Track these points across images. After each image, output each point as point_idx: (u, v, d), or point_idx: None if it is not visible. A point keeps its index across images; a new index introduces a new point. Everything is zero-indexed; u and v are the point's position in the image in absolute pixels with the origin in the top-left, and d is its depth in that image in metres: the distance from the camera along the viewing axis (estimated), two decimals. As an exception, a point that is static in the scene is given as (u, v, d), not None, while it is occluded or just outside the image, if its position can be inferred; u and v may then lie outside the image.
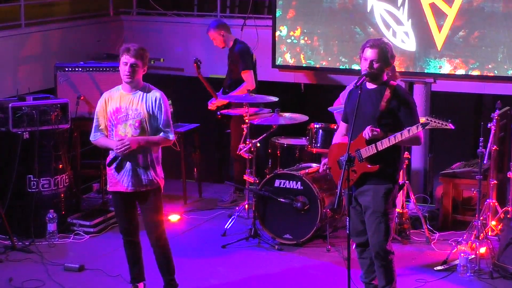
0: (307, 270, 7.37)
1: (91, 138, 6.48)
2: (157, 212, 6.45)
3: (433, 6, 8.98)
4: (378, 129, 5.95)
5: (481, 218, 7.46)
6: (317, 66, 9.60)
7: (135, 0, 10.86)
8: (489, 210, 7.81)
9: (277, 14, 9.66)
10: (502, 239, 7.31)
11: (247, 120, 8.32)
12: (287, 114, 8.40)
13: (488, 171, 7.94)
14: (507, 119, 8.22)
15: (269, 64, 9.74)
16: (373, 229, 6.13)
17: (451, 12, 8.92)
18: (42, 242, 7.92)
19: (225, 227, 8.26)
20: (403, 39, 9.14)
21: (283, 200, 7.86)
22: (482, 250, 7.28)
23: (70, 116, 8.32)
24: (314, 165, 8.23)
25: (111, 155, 6.37)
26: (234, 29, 9.94)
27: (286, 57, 9.68)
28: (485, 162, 7.50)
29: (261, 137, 8.39)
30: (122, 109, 6.30)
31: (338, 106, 8.12)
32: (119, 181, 6.36)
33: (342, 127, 6.44)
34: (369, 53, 6.04)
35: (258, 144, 8.36)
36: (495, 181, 7.87)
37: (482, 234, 7.32)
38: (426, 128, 5.87)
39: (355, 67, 9.21)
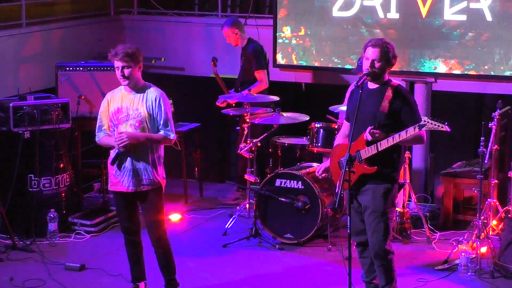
0: (307, 269, 7.38)
1: (96, 138, 6.48)
2: (158, 212, 6.44)
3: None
4: (379, 131, 5.94)
5: (482, 217, 7.46)
6: (318, 65, 9.58)
7: (136, 0, 10.86)
8: (490, 210, 7.81)
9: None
10: (503, 238, 7.31)
11: (248, 120, 8.33)
12: (288, 114, 8.41)
13: (489, 171, 7.94)
14: (508, 119, 8.22)
15: (270, 63, 9.72)
16: (372, 228, 6.13)
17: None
18: (43, 242, 7.92)
19: (226, 226, 8.26)
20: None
21: (284, 200, 7.86)
22: (483, 249, 7.28)
23: (71, 115, 8.32)
24: (315, 164, 8.23)
25: (113, 153, 6.37)
26: (235, 28, 9.96)
27: (277, 58, 9.66)
28: (486, 161, 7.50)
29: (262, 136, 8.40)
30: (123, 109, 6.31)
31: (338, 106, 8.13)
32: (119, 181, 6.36)
33: (345, 126, 6.44)
34: (371, 52, 6.04)
35: (259, 144, 8.36)
36: (496, 181, 7.87)
37: (483, 234, 7.32)
38: (422, 129, 5.86)
39: (349, 67, 9.20)
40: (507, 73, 8.76)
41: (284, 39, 9.61)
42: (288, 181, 7.92)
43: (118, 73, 6.25)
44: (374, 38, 6.24)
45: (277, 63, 9.70)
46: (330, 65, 9.47)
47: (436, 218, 8.44)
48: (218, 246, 7.89)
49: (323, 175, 6.55)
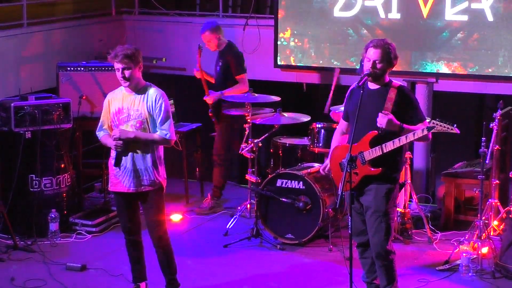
0: (308, 269, 7.37)
1: (97, 136, 6.52)
2: (159, 212, 6.44)
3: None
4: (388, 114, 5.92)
5: (483, 218, 7.45)
6: (319, 65, 9.59)
7: (137, 0, 10.86)
8: (491, 210, 7.82)
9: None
10: (504, 239, 7.31)
11: (249, 120, 8.33)
12: (289, 114, 8.41)
13: (490, 171, 7.93)
14: (509, 119, 8.22)
15: (271, 63, 9.73)
16: (373, 229, 6.13)
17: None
18: (44, 242, 7.92)
19: (227, 226, 8.26)
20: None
21: (285, 200, 7.86)
22: (484, 250, 7.28)
23: (72, 115, 8.32)
24: (316, 164, 8.23)
25: (114, 154, 6.37)
26: (236, 28, 9.96)
27: (278, 58, 9.64)
28: (487, 162, 7.49)
29: (263, 136, 8.40)
30: (124, 109, 6.30)
31: (339, 106, 8.12)
32: (120, 181, 6.37)
33: (342, 125, 6.43)
34: (372, 53, 6.04)
35: (260, 144, 8.37)
36: (497, 181, 7.87)
37: (484, 234, 7.32)
38: (431, 132, 5.86)
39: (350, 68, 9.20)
40: (507, 73, 8.76)
41: (283, 40, 9.59)
42: (289, 181, 7.92)
43: (118, 74, 6.24)
44: (376, 39, 6.23)
45: (278, 63, 9.70)
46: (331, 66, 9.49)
47: (437, 219, 8.43)
48: (219, 246, 7.89)
49: (326, 170, 6.54)
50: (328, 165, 6.47)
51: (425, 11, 8.96)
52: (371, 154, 6.02)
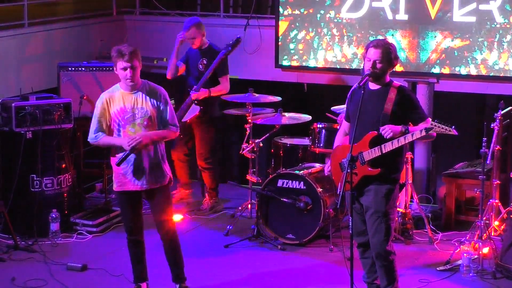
0: (309, 270, 7.37)
1: (91, 139, 6.42)
2: (170, 206, 6.54)
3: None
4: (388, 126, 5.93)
5: (484, 218, 7.45)
6: (320, 66, 9.58)
7: (138, 0, 10.86)
8: (492, 210, 7.81)
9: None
10: (505, 239, 7.31)
11: (250, 120, 8.32)
12: (289, 114, 8.41)
13: (491, 171, 7.93)
14: (510, 119, 8.21)
15: (272, 64, 9.73)
16: (373, 229, 6.13)
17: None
18: (45, 242, 7.93)
19: (228, 227, 8.25)
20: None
21: (286, 200, 7.86)
22: (485, 250, 7.28)
23: (73, 115, 8.32)
24: (317, 165, 8.23)
25: (120, 154, 6.35)
26: (237, 28, 9.95)
27: (279, 58, 9.62)
28: (488, 162, 7.49)
29: (264, 137, 8.39)
30: (127, 109, 6.29)
31: (340, 107, 8.12)
32: (129, 180, 6.36)
33: (344, 125, 6.44)
34: (373, 53, 6.04)
35: (261, 144, 8.37)
36: (498, 181, 7.86)
37: (485, 234, 7.32)
38: (429, 133, 5.86)
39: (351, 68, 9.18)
40: (508, 73, 8.74)
41: (284, 40, 9.59)
42: (290, 181, 7.92)
43: (124, 73, 6.22)
44: (376, 39, 6.24)
45: (279, 63, 9.69)
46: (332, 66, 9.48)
47: (438, 219, 8.43)
48: (220, 246, 7.89)
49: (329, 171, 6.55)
50: (330, 168, 6.47)
51: (432, 12, 8.90)
52: (370, 155, 6.02)
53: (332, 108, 8.39)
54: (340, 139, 6.46)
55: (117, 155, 6.37)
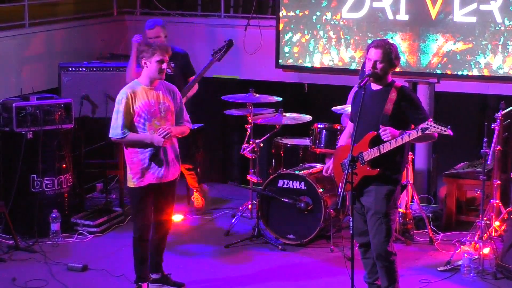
0: (310, 270, 7.37)
1: (117, 135, 6.41)
2: (173, 204, 6.77)
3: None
4: (387, 128, 5.93)
5: (485, 218, 7.45)
6: (320, 66, 9.56)
7: (139, 0, 10.86)
8: (492, 211, 7.81)
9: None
10: (506, 239, 7.31)
11: (250, 120, 8.32)
12: (290, 114, 8.41)
13: (492, 172, 7.92)
14: (511, 120, 8.21)
15: (273, 64, 9.72)
16: (374, 230, 6.13)
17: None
18: (45, 242, 7.92)
19: (229, 226, 8.25)
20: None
21: (287, 200, 7.86)
22: (486, 250, 7.27)
23: (74, 116, 8.32)
24: (317, 165, 8.23)
25: (149, 152, 6.41)
26: (238, 29, 9.95)
27: (280, 58, 9.60)
28: (488, 162, 7.49)
29: (265, 137, 8.40)
30: (152, 103, 6.42)
31: (340, 107, 8.12)
32: (153, 173, 6.45)
33: (350, 126, 6.44)
34: (373, 53, 6.04)
35: (262, 144, 8.37)
36: (499, 182, 7.86)
37: (485, 235, 7.32)
38: (425, 133, 5.85)
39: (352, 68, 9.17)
40: (509, 73, 8.72)
41: (284, 40, 9.58)
42: (291, 181, 7.92)
43: (161, 66, 6.38)
44: (377, 39, 6.23)
45: (280, 63, 9.69)
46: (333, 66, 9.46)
47: (438, 219, 8.43)
48: (220, 246, 7.89)
49: (329, 172, 6.55)
50: (331, 166, 6.47)
51: (433, 12, 8.87)
52: (370, 155, 6.02)
53: (333, 108, 8.38)
54: (344, 139, 6.48)
55: (145, 151, 6.41)
